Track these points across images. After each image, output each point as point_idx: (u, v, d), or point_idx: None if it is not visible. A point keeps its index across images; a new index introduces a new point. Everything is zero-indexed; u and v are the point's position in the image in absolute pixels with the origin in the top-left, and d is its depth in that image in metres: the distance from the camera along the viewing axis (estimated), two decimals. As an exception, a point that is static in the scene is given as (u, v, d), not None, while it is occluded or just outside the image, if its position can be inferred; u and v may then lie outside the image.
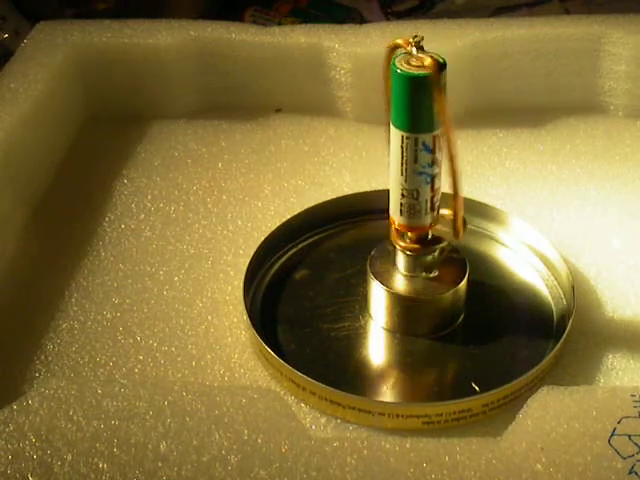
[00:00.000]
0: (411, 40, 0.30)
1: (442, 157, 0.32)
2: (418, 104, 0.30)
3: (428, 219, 0.33)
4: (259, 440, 0.28)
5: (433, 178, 0.32)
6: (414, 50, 0.30)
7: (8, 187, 0.41)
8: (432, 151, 0.31)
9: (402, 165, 0.31)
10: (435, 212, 0.33)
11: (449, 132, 0.30)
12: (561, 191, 0.44)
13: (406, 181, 0.32)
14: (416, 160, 0.31)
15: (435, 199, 0.33)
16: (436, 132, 0.31)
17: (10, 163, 0.41)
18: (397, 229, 0.34)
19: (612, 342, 0.36)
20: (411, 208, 0.33)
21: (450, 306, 0.36)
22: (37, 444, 0.28)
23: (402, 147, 0.31)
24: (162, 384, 0.31)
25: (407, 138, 0.31)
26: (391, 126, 0.31)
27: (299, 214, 0.41)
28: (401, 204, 0.33)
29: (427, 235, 0.34)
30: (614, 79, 0.49)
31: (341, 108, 0.50)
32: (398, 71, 0.29)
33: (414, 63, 0.29)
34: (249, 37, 0.49)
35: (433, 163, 0.31)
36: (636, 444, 0.28)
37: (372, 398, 0.33)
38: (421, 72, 0.29)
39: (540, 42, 0.48)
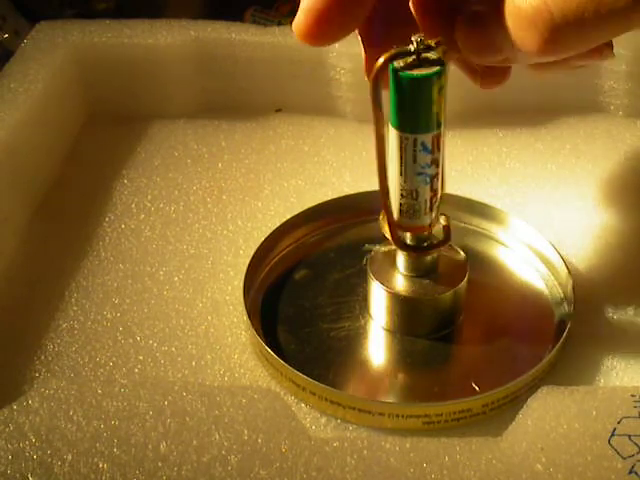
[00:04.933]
0: (413, 46, 0.29)
1: (441, 157, 0.32)
2: (417, 105, 0.30)
3: (427, 219, 0.33)
4: (259, 440, 0.28)
5: (432, 178, 0.32)
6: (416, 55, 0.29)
7: (8, 187, 0.41)
8: (431, 151, 0.31)
9: (401, 165, 0.31)
10: (434, 212, 0.33)
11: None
12: (561, 191, 0.44)
13: (405, 181, 0.32)
14: (415, 160, 0.31)
15: (434, 199, 0.33)
16: (435, 132, 0.31)
17: (10, 163, 0.41)
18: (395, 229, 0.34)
19: (612, 342, 0.36)
20: (410, 208, 0.33)
21: (450, 306, 0.36)
22: (37, 444, 0.28)
23: (401, 148, 0.31)
24: (162, 384, 0.31)
25: (406, 139, 0.31)
26: (390, 127, 0.31)
27: (299, 214, 0.41)
28: (400, 204, 0.33)
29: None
30: (614, 79, 0.49)
31: (341, 108, 0.50)
32: (397, 72, 0.29)
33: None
34: (249, 37, 0.49)
35: (432, 163, 0.31)
36: (636, 444, 0.28)
37: (372, 398, 0.33)
38: (420, 73, 0.29)
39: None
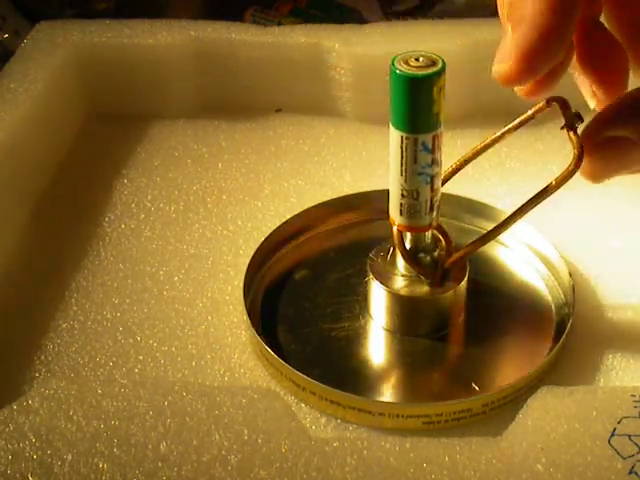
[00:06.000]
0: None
1: (441, 157, 0.32)
2: (417, 105, 0.30)
3: (428, 219, 0.33)
4: (259, 440, 0.28)
5: (433, 178, 0.32)
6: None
7: (8, 187, 0.41)
8: (432, 151, 0.31)
9: (402, 165, 0.31)
10: (435, 212, 0.33)
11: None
12: (561, 191, 0.44)
13: (406, 181, 0.32)
14: (416, 160, 0.31)
15: (435, 199, 0.33)
16: (435, 132, 0.31)
17: (10, 163, 0.41)
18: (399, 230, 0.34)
19: (612, 342, 0.36)
20: (411, 208, 0.33)
21: (450, 306, 0.36)
22: (37, 444, 0.28)
23: (402, 147, 0.31)
24: (162, 384, 0.31)
25: (406, 139, 0.31)
26: (390, 126, 0.31)
27: (299, 214, 0.41)
28: (401, 204, 0.33)
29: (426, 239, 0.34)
30: (614, 79, 0.49)
31: (341, 108, 0.50)
32: (397, 72, 0.29)
33: (413, 64, 0.29)
34: (249, 37, 0.49)
35: (433, 163, 0.31)
36: (636, 444, 0.28)
37: (372, 398, 0.33)
38: (420, 73, 0.29)
39: (540, 42, 0.48)
